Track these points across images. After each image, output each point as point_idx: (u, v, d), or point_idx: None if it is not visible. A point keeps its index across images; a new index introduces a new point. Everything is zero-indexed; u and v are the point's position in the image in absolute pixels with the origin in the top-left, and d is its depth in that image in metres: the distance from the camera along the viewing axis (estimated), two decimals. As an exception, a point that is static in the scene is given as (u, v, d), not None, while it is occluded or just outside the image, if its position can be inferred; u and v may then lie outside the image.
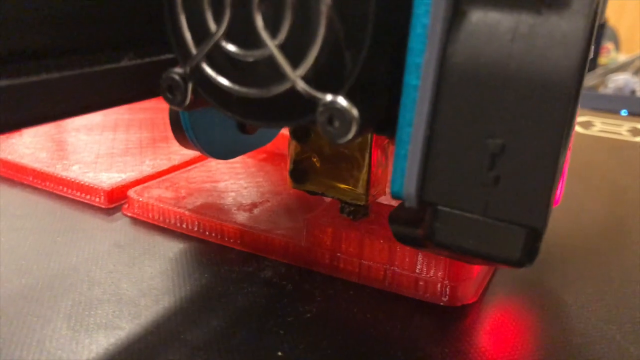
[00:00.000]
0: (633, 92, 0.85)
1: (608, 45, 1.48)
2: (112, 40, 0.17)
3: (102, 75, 0.16)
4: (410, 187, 0.14)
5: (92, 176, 0.28)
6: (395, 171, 0.14)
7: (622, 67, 1.05)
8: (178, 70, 0.16)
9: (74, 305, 0.19)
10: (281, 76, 0.14)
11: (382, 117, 0.15)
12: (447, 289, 0.20)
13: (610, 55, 1.46)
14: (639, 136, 0.45)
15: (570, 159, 0.19)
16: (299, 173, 0.22)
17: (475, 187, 0.13)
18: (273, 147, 0.33)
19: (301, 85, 0.14)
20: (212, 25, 0.15)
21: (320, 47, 0.13)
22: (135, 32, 0.17)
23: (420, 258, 0.20)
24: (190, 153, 0.31)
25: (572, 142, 0.18)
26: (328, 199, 0.25)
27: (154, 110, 0.41)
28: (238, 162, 0.31)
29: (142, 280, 0.21)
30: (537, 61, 0.12)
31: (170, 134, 0.23)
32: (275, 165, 0.31)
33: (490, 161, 0.13)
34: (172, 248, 0.23)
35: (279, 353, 0.17)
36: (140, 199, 0.25)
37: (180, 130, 0.22)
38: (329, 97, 0.14)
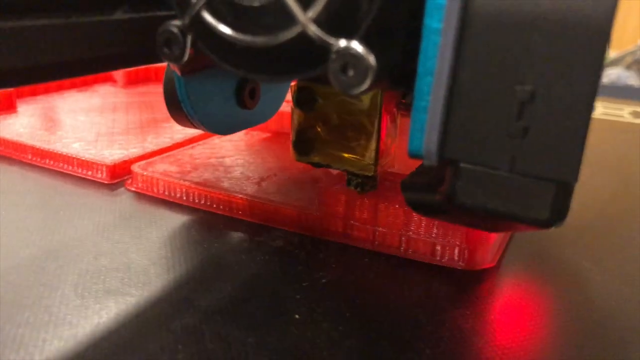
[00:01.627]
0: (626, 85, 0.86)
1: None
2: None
3: (92, 27, 0.15)
4: (430, 142, 0.13)
5: (94, 153, 0.27)
6: (414, 126, 0.13)
7: (613, 63, 1.05)
8: (176, 22, 0.15)
9: (81, 274, 0.18)
10: (290, 21, 0.13)
11: (398, 67, 0.14)
12: (466, 253, 0.19)
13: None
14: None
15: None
16: (303, 144, 0.21)
17: (502, 140, 0.12)
18: (277, 127, 0.32)
19: (312, 30, 0.13)
20: None
21: None
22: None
23: (437, 222, 0.19)
24: (194, 132, 0.31)
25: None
26: (335, 172, 0.24)
27: (154, 94, 0.40)
28: (242, 140, 0.30)
29: (151, 250, 0.20)
30: None
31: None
32: (281, 144, 0.30)
33: (519, 110, 0.12)
34: (180, 220, 0.23)
35: (296, 316, 0.17)
36: (145, 173, 0.25)
37: (176, 104, 0.20)
38: (342, 43, 0.13)
